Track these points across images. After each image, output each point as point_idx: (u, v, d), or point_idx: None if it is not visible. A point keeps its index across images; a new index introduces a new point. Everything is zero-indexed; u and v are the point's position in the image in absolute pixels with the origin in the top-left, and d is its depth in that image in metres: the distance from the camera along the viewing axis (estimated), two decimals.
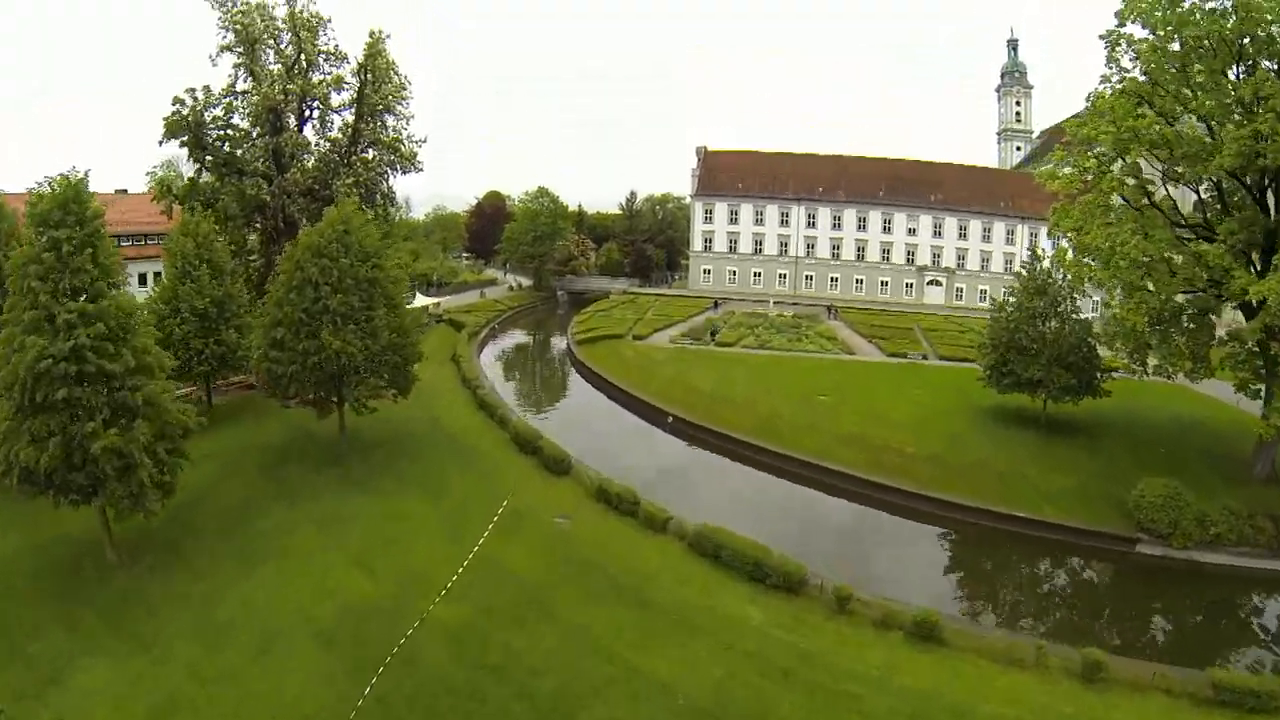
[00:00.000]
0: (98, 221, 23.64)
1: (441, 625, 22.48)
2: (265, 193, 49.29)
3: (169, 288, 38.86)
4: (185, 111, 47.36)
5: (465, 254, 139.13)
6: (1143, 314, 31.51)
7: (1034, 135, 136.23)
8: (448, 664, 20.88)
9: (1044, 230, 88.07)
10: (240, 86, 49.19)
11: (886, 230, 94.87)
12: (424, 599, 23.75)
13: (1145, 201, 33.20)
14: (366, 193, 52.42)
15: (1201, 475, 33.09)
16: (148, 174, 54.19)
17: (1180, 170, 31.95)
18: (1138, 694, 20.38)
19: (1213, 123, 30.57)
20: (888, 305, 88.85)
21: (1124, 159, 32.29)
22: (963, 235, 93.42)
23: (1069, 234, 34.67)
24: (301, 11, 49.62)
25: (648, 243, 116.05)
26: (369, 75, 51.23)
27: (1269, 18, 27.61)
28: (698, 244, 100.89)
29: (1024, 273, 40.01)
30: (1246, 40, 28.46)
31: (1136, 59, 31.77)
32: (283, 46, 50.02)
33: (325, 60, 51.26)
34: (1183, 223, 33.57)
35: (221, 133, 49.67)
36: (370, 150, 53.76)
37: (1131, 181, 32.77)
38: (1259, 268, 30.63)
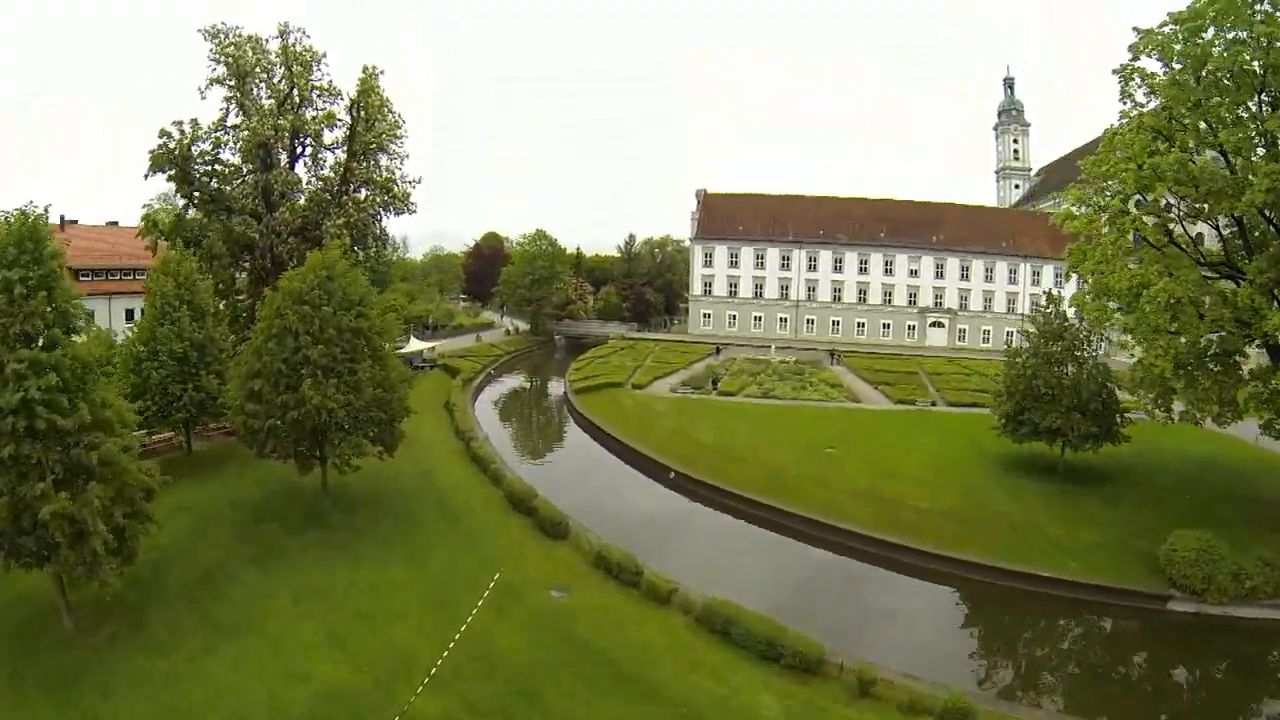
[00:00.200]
0: (55, 261, 21.77)
1: None
2: (254, 230, 47.91)
3: (147, 329, 36.90)
4: (172, 145, 45.92)
5: (462, 296, 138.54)
6: (1169, 359, 29.97)
7: (1032, 172, 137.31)
8: None
9: (1046, 269, 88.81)
10: (231, 120, 48.00)
11: (888, 272, 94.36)
12: (406, 687, 21.34)
13: (1166, 240, 31.88)
14: (358, 234, 51.20)
15: (1229, 521, 31.38)
16: (144, 206, 53.16)
17: (1201, 207, 30.68)
18: None
19: (1233, 157, 29.42)
20: (890, 348, 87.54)
21: (1144, 197, 31.03)
22: (965, 276, 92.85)
23: (1088, 276, 33.24)
24: (294, 45, 48.71)
25: (646, 286, 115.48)
26: (361, 113, 50.23)
27: None
28: (697, 288, 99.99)
29: (1039, 316, 38.45)
30: (1268, 72, 27.40)
31: (1151, 93, 30.75)
32: (275, 81, 49.02)
33: (319, 96, 50.32)
34: (1203, 260, 32.28)
35: (210, 168, 48.39)
36: (362, 190, 52.43)
37: (1152, 220, 31.50)
38: None
